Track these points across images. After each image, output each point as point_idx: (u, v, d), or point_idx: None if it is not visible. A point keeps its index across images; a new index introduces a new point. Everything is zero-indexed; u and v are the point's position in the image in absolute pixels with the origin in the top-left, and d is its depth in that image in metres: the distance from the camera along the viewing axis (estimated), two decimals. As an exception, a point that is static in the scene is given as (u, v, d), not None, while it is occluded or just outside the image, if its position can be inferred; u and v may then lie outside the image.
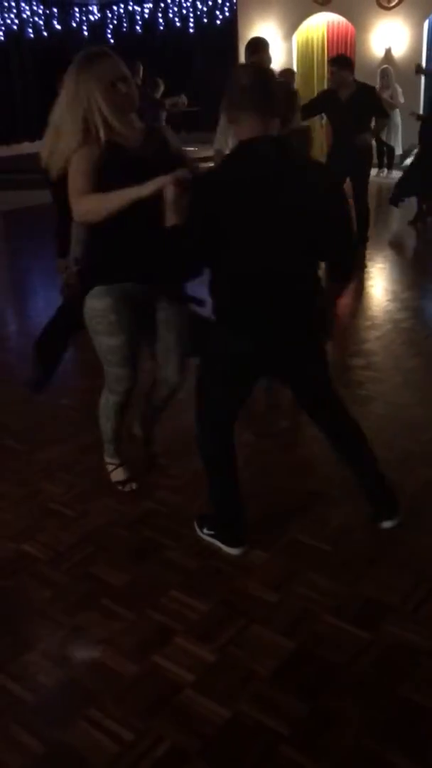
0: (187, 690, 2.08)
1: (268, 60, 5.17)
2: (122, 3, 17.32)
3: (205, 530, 2.74)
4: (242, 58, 13.67)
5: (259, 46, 5.13)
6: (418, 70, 10.48)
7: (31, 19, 16.68)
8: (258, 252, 2.29)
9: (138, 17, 17.21)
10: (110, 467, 3.16)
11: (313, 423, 2.77)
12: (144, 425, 3.26)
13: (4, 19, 16.17)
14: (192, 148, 9.80)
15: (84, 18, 17.62)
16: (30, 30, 16.70)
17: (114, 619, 2.38)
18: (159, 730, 1.95)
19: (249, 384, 2.58)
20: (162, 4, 16.84)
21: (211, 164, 4.79)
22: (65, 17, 17.24)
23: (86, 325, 2.77)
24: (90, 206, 2.45)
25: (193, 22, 16.49)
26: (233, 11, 14.94)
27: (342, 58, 6.82)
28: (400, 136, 11.57)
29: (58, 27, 17.08)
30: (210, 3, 16.07)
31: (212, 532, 2.71)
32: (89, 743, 1.93)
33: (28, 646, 2.28)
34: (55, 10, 16.97)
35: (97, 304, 2.69)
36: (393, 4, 12.25)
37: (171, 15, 16.83)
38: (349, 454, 2.75)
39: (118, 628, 2.34)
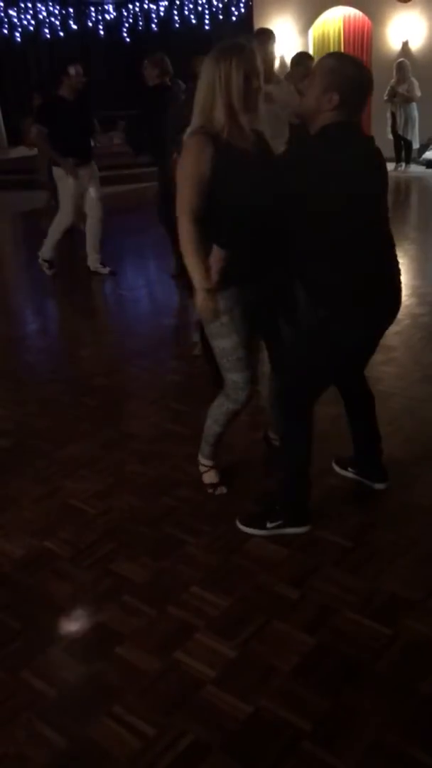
0: (209, 686, 2.09)
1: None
2: (138, 1, 17.35)
3: (268, 525, 2.73)
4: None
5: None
6: None
7: (47, 20, 16.77)
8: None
9: (153, 15, 17.23)
10: (203, 468, 3.12)
11: (342, 395, 2.91)
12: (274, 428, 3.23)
13: (20, 19, 16.27)
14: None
15: (100, 17, 17.66)
16: (46, 30, 16.79)
17: (135, 615, 2.40)
18: (181, 726, 1.96)
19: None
20: (177, 2, 16.84)
21: None
22: (81, 17, 17.30)
23: (205, 330, 2.78)
24: (184, 244, 2.56)
25: (209, 19, 16.48)
26: (249, 7, 14.90)
27: None
28: (417, 130, 11.49)
29: (75, 27, 17.15)
30: (225, -1, 16.05)
31: (278, 522, 2.72)
32: (112, 738, 1.94)
33: (50, 643, 2.30)
34: (71, 9, 17.04)
35: None
36: (410, -4, 12.17)
37: (186, 12, 16.83)
38: (369, 423, 2.95)
39: (139, 624, 2.35)
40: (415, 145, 11.64)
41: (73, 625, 2.39)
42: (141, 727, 1.97)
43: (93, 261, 6.87)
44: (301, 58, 5.80)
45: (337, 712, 1.98)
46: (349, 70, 2.38)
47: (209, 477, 3.10)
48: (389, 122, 11.36)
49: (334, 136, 2.38)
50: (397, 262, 2.60)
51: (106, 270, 6.83)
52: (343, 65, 2.40)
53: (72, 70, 6.29)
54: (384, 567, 2.54)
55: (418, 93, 11.18)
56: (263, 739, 1.92)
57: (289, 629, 2.28)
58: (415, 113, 11.32)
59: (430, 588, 2.42)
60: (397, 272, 2.60)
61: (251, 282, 2.68)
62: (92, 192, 6.64)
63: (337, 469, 3.11)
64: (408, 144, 11.48)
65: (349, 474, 3.06)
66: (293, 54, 6.11)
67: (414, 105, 11.21)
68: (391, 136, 11.38)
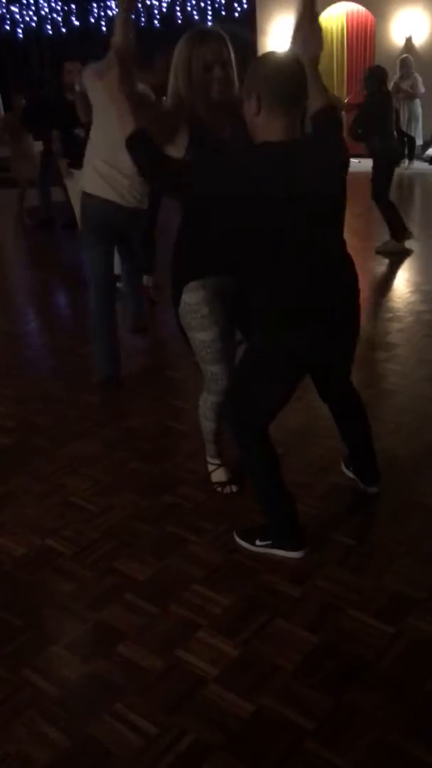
0: (211, 684, 2.08)
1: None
2: (140, -3, 17.30)
3: (257, 543, 2.62)
4: (263, 51, 13.66)
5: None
6: None
7: (49, 16, 16.75)
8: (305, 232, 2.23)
9: (156, 11, 17.19)
10: (211, 467, 3.09)
11: (324, 401, 2.82)
12: None
13: (23, 16, 16.26)
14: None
15: (102, 13, 17.62)
16: (49, 26, 16.77)
17: (137, 613, 2.39)
18: (183, 724, 1.95)
19: (298, 382, 2.53)
20: (180, -2, 16.80)
21: None
22: (83, 13, 17.27)
23: (181, 322, 2.73)
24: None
25: (212, 15, 16.43)
26: (252, 3, 14.86)
27: None
28: (421, 127, 11.46)
29: (77, 23, 17.12)
30: (228, -5, 16.01)
31: (267, 542, 2.60)
32: (114, 737, 1.94)
33: (52, 641, 2.30)
34: (73, 6, 17.02)
35: (191, 299, 2.64)
36: (413, -8, 12.13)
37: (189, 8, 16.79)
38: (356, 427, 2.84)
39: (141, 622, 2.35)
40: (419, 142, 11.62)
41: (74, 623, 2.38)
42: (143, 726, 1.96)
43: None
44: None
45: (339, 710, 1.97)
46: (265, 70, 2.15)
47: (217, 475, 3.07)
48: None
49: (251, 152, 2.18)
50: (346, 283, 2.41)
51: None
52: (261, 65, 2.19)
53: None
54: (387, 565, 2.53)
55: (422, 89, 11.16)
56: (266, 737, 1.91)
57: (291, 628, 2.27)
58: (419, 110, 11.30)
59: (434, 586, 2.41)
60: (344, 294, 2.41)
61: (229, 272, 2.62)
62: None
63: (342, 467, 3.10)
64: (411, 140, 11.44)
65: (349, 473, 3.05)
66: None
67: (417, 101, 11.18)
68: (394, 133, 11.36)
